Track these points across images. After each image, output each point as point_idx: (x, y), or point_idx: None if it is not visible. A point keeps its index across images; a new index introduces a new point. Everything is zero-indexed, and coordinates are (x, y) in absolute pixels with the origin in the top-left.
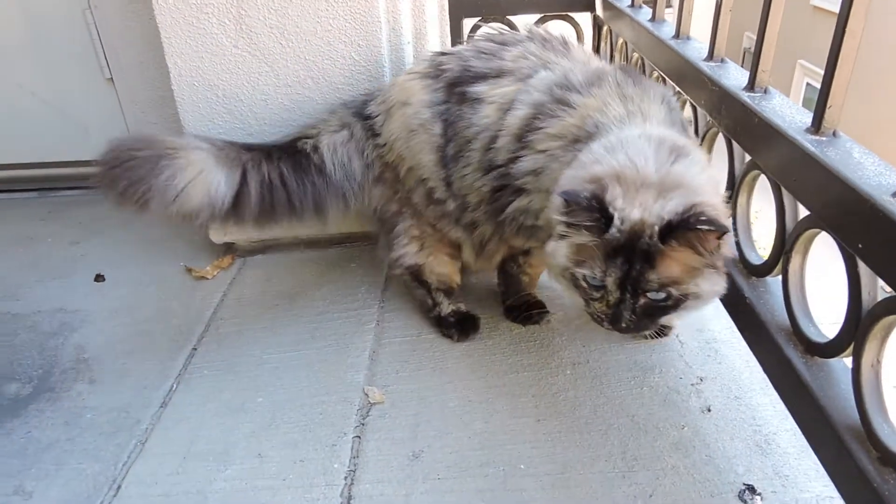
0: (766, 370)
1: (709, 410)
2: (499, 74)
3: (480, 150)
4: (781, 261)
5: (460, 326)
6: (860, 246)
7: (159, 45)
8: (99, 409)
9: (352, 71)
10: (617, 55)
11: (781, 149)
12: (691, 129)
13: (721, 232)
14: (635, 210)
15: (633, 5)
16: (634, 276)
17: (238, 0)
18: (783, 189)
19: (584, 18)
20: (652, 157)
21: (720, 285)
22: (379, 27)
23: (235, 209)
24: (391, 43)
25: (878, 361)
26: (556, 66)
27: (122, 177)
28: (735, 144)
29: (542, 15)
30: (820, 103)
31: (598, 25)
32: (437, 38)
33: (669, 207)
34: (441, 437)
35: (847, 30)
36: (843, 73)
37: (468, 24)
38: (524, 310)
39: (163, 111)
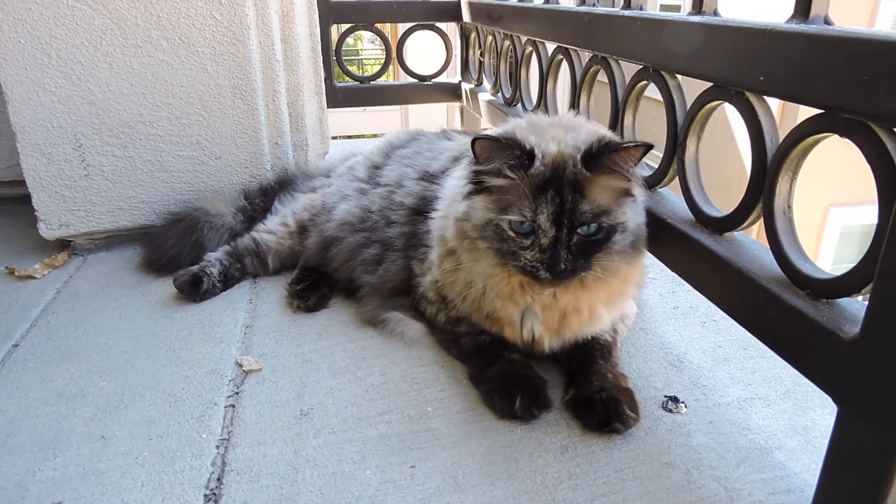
0: (677, 268)
1: None
2: None
3: None
4: (676, 154)
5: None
6: (762, 78)
7: None
8: None
9: (213, 32)
10: (487, 56)
11: (667, 37)
12: None
13: (645, 147)
14: (550, 144)
15: None
16: (568, 207)
17: None
18: (667, 79)
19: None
20: (542, 116)
21: (641, 215)
22: None
23: None
24: (256, 5)
25: (789, 207)
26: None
27: None
28: (615, 64)
29: (411, 24)
30: None
31: (465, 34)
32: (305, 27)
33: (583, 138)
34: (332, 393)
35: None
36: None
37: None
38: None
39: None
